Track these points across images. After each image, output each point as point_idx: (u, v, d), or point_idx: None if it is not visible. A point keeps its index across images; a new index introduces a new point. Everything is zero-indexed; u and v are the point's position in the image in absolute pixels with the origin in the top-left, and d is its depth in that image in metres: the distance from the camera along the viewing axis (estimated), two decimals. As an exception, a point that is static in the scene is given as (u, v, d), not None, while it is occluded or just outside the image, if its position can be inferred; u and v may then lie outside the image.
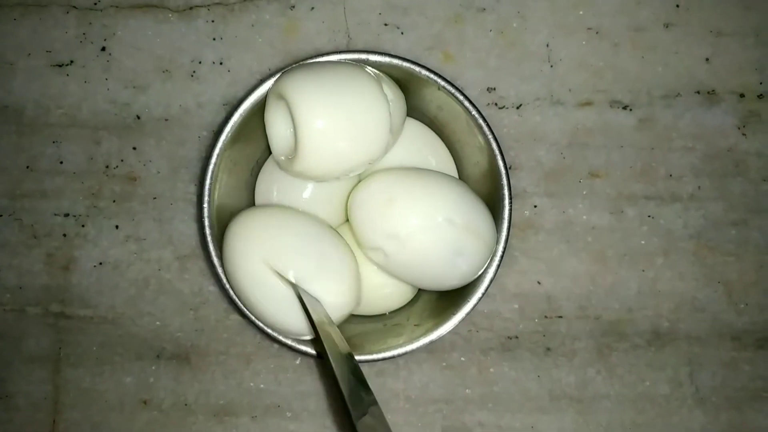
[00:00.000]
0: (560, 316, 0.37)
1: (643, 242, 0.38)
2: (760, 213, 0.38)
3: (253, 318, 0.31)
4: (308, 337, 0.31)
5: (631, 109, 0.38)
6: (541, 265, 0.37)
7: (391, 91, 0.31)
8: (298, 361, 0.37)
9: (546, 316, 0.37)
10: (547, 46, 0.38)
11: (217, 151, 0.31)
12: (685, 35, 0.39)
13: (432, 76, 0.31)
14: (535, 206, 0.38)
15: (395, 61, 0.32)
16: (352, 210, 0.32)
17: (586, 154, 0.38)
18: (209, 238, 0.31)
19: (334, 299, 0.30)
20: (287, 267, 0.29)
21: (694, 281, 0.38)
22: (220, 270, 0.32)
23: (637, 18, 0.39)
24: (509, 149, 0.38)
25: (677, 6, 0.39)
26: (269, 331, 0.32)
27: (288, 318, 0.30)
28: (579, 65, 0.38)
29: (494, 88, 0.38)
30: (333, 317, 0.30)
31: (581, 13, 0.39)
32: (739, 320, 0.38)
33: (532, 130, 0.38)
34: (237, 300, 0.31)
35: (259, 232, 0.30)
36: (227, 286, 0.32)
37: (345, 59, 0.31)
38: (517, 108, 0.38)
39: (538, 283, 0.37)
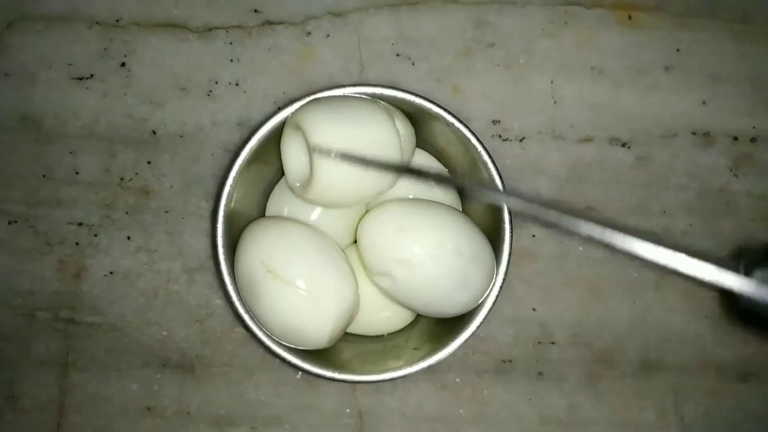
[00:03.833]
0: (553, 342, 0.39)
1: (635, 275, 0.39)
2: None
3: (257, 332, 0.33)
4: (314, 347, 0.32)
5: (629, 147, 0.40)
6: (536, 292, 0.39)
7: (403, 127, 0.32)
8: (298, 376, 0.38)
9: (539, 342, 0.39)
10: (552, 82, 0.40)
11: (233, 173, 0.32)
12: (684, 78, 0.40)
13: (442, 113, 0.33)
14: (534, 236, 0.39)
15: (408, 97, 0.33)
16: (362, 235, 0.33)
17: (584, 188, 0.40)
18: (222, 257, 0.32)
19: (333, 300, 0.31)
20: (289, 270, 0.31)
21: (682, 314, 0.39)
22: (229, 285, 0.33)
23: (638, 60, 0.40)
24: (511, 180, 0.39)
25: (677, 50, 0.40)
26: (272, 346, 0.33)
27: (296, 324, 0.31)
28: (581, 102, 0.40)
29: (499, 121, 0.40)
30: (335, 317, 0.31)
31: (585, 53, 0.40)
32: (724, 353, 0.39)
33: (534, 162, 0.40)
34: (242, 313, 0.33)
35: (269, 238, 0.32)
36: (234, 299, 0.33)
37: (360, 93, 0.33)
38: (520, 141, 0.40)
39: (533, 309, 0.39)
